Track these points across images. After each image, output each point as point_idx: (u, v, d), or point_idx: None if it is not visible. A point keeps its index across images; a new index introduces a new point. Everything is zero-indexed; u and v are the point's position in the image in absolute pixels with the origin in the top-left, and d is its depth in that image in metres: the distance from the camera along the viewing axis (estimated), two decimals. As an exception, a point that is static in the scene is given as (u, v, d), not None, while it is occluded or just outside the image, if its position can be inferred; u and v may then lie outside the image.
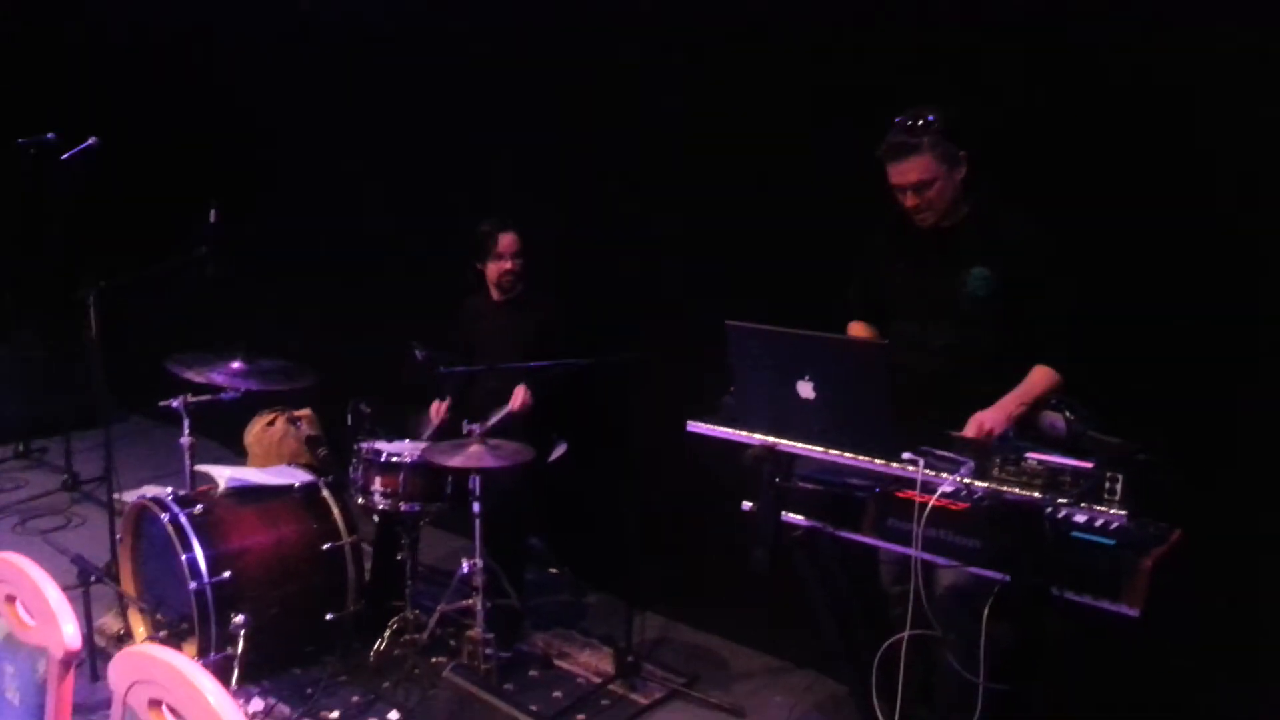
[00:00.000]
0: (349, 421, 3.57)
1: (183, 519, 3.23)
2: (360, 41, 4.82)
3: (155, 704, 1.52)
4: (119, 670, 1.57)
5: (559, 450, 3.91)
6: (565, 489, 3.97)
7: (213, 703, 1.41)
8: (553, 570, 4.22)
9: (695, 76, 3.66)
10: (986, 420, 2.39)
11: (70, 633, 1.72)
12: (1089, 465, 2.03)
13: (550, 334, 3.86)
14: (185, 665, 1.47)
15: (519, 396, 3.75)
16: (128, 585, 3.57)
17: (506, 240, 3.85)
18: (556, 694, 3.38)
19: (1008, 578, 2.14)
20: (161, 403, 3.72)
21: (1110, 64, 2.78)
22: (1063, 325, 2.56)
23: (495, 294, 3.96)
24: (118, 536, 3.62)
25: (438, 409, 3.82)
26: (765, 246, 3.50)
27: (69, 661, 1.73)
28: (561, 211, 4.09)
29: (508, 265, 3.86)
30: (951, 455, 2.18)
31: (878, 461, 2.23)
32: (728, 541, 3.41)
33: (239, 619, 3.17)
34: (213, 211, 3.84)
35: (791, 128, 3.39)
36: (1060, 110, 2.87)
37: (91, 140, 4.68)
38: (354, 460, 3.53)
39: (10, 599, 1.86)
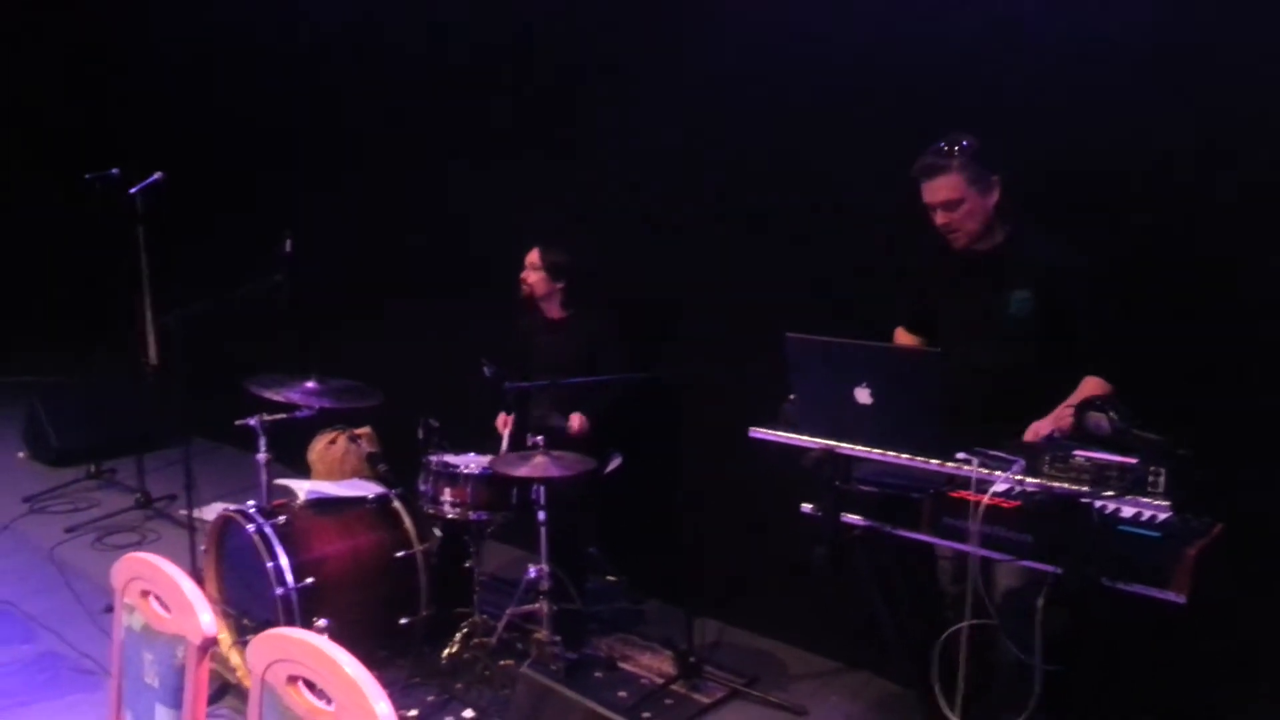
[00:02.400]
0: (420, 436, 3.74)
1: (267, 529, 3.42)
2: (424, 67, 5.03)
3: (293, 680, 1.69)
4: (257, 651, 1.75)
5: (614, 463, 4.07)
6: (621, 499, 4.13)
7: (350, 673, 1.58)
8: (610, 578, 4.37)
9: (738, 89, 3.81)
10: (1043, 428, 2.54)
11: (206, 621, 1.90)
12: (1133, 461, 2.16)
13: (600, 349, 4.02)
14: (321, 642, 1.64)
15: (576, 421, 3.91)
16: (213, 594, 3.75)
17: (530, 255, 4.08)
18: (621, 694, 3.53)
19: (1060, 570, 2.27)
20: (238, 421, 3.92)
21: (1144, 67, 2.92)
22: (1104, 341, 2.70)
23: (545, 310, 4.15)
24: (201, 548, 3.81)
25: (504, 422, 4.00)
26: (812, 260, 3.65)
27: (205, 647, 1.91)
28: (616, 226, 4.25)
29: (525, 276, 4.08)
30: (1003, 454, 2.32)
31: (934, 462, 2.38)
32: (780, 547, 3.57)
33: (322, 623, 3.33)
34: (288, 241, 4.06)
35: (843, 140, 3.53)
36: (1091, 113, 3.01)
37: (157, 175, 4.94)
38: (423, 472, 3.71)
39: (145, 594, 2.05)
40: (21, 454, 6.32)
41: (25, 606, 4.18)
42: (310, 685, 1.67)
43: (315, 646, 1.64)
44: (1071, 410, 2.57)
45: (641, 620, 4.15)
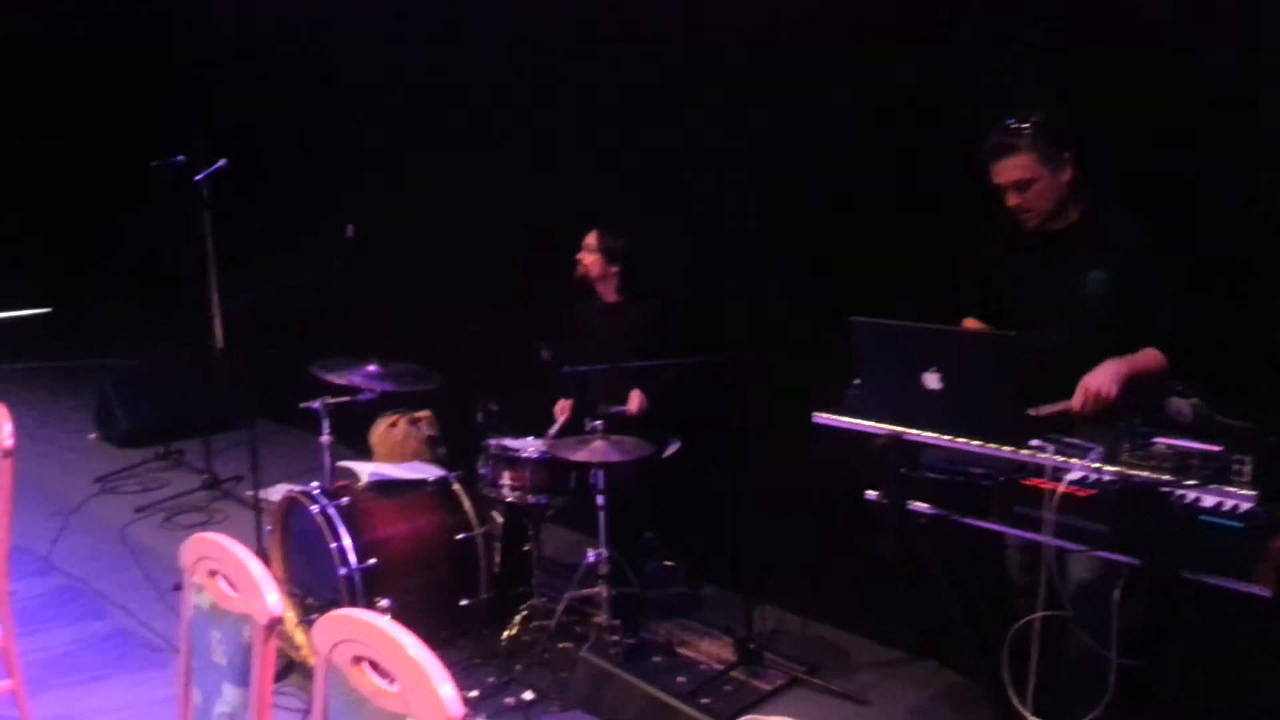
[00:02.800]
0: (479, 419, 3.76)
1: (330, 510, 3.46)
2: (485, 49, 5.02)
3: (357, 660, 1.69)
4: (323, 632, 1.75)
5: (672, 448, 4.04)
6: (678, 485, 4.11)
7: (414, 655, 1.58)
8: (667, 563, 4.35)
9: (809, 75, 3.75)
10: (1093, 382, 2.45)
11: (273, 600, 1.91)
12: (1217, 448, 2.08)
13: (657, 332, 3.99)
14: (385, 623, 1.64)
15: (634, 400, 3.89)
16: (278, 573, 3.81)
17: (587, 237, 4.07)
18: (680, 679, 3.51)
19: (1137, 562, 2.19)
20: (302, 404, 3.98)
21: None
22: (1171, 319, 2.61)
23: (601, 294, 4.13)
24: (267, 528, 3.87)
25: (562, 407, 4.00)
26: (873, 243, 3.58)
27: (271, 626, 1.92)
28: (676, 208, 4.22)
29: (581, 257, 4.07)
30: (1079, 442, 2.25)
31: (1006, 449, 2.31)
32: (842, 534, 3.52)
33: (384, 603, 3.38)
34: (350, 228, 4.09)
35: (906, 124, 3.46)
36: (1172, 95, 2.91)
37: (222, 162, 5.00)
38: (483, 456, 3.72)
39: (213, 573, 2.07)
40: (92, 436, 6.47)
41: (97, 584, 4.29)
42: (375, 666, 1.67)
43: (380, 628, 1.64)
44: (1126, 363, 2.50)
45: (699, 606, 4.13)
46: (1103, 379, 2.47)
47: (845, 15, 3.61)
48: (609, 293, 4.14)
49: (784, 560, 3.92)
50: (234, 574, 2.00)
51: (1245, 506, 2.11)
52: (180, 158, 5.30)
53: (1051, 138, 2.64)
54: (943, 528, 2.61)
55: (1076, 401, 2.47)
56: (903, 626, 3.66)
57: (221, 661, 2.01)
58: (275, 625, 1.93)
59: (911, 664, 3.63)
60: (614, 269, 4.08)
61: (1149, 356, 2.56)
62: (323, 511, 3.45)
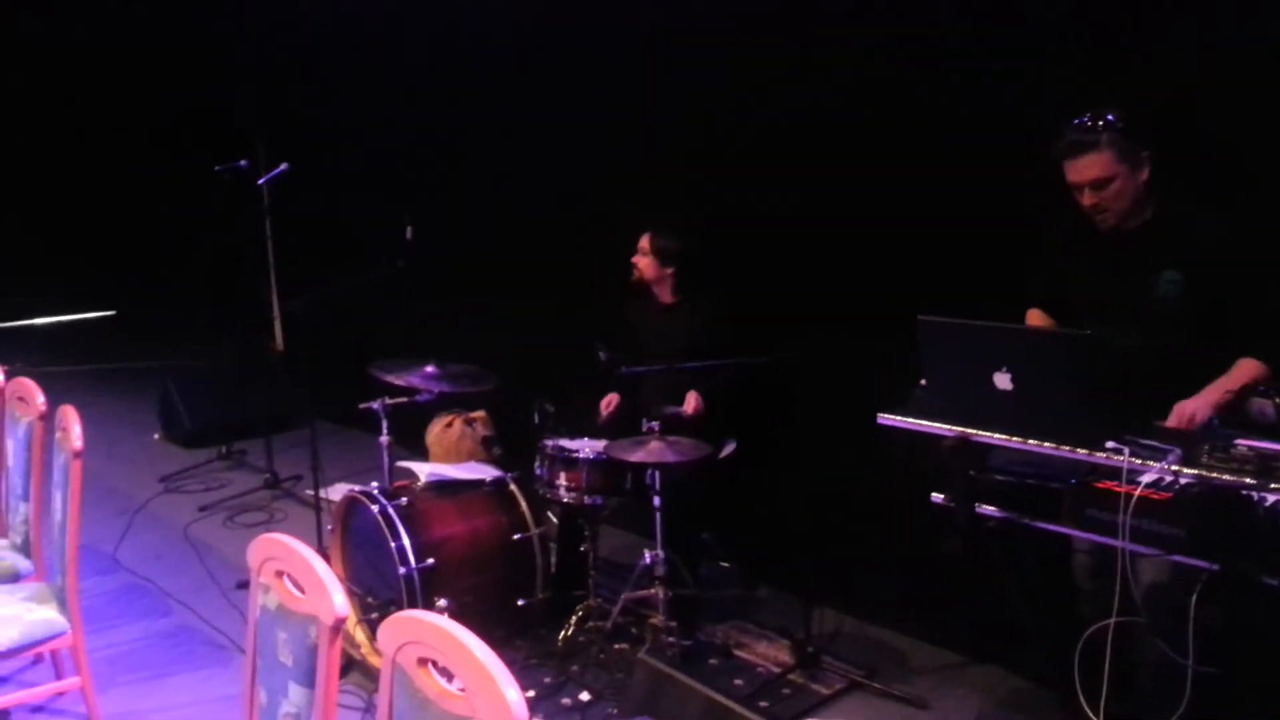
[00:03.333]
0: (535, 420, 3.76)
1: (390, 510, 3.48)
2: (540, 53, 5.04)
3: (423, 662, 1.69)
4: (388, 634, 1.75)
5: (729, 448, 4.01)
6: (735, 486, 4.07)
7: (479, 657, 1.57)
8: (724, 565, 4.32)
9: (863, 72, 3.70)
10: (1189, 407, 2.38)
11: (339, 602, 1.92)
12: (1303, 451, 2.01)
13: (714, 333, 3.96)
14: (451, 625, 1.64)
15: (691, 402, 3.87)
16: (338, 572, 3.84)
17: (641, 240, 4.05)
18: (737, 681, 3.48)
19: (1215, 566, 2.12)
20: (361, 405, 4.02)
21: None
22: (1264, 320, 2.52)
23: (659, 295, 4.11)
24: (328, 527, 3.91)
25: (608, 402, 3.99)
26: (932, 242, 3.52)
27: (337, 627, 1.93)
28: (734, 208, 4.19)
29: (636, 260, 4.05)
30: (1156, 444, 2.18)
31: (1081, 451, 2.25)
32: (902, 536, 3.47)
33: (442, 603, 3.38)
34: (409, 229, 4.12)
35: (967, 120, 3.41)
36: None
37: (283, 166, 5.06)
38: (539, 456, 3.72)
39: (280, 574, 2.08)
40: (156, 436, 6.59)
41: (161, 583, 4.36)
42: (440, 668, 1.66)
43: (446, 630, 1.64)
44: (1222, 390, 2.43)
45: (757, 608, 4.09)
46: (1199, 405, 2.40)
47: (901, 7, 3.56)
48: (665, 294, 4.12)
49: (842, 562, 3.87)
50: (300, 575, 2.02)
51: (1331, 511, 2.03)
52: (243, 162, 5.38)
53: (1130, 135, 2.57)
54: (1012, 531, 2.55)
55: (1171, 422, 2.41)
56: (962, 630, 3.60)
57: (288, 662, 2.02)
58: (341, 626, 1.94)
59: (972, 668, 3.57)
60: (669, 270, 4.06)
61: (1245, 372, 2.48)
62: (383, 511, 3.47)
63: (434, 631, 1.66)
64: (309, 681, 1.96)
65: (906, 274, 3.58)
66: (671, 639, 3.48)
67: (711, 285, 4.08)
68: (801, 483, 3.90)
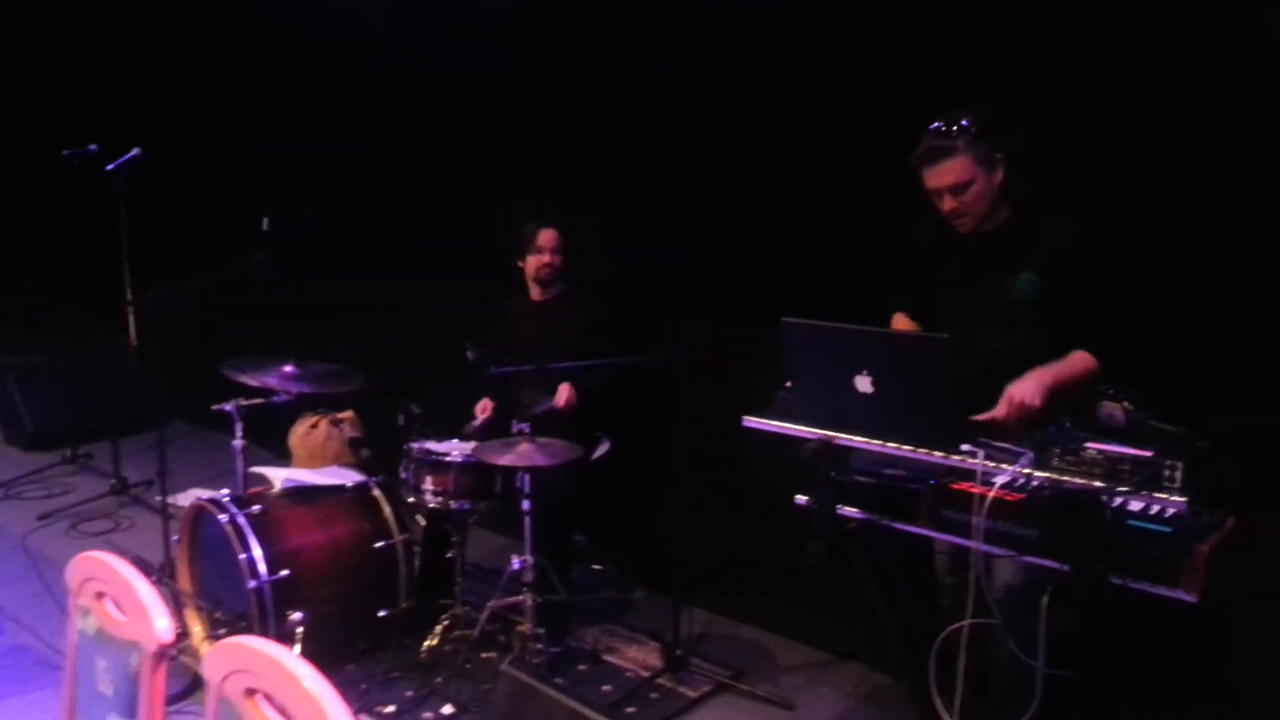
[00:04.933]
0: (400, 422, 3.62)
1: (240, 519, 3.30)
2: (401, 43, 4.88)
3: (251, 693, 1.57)
4: (214, 661, 1.63)
5: (603, 448, 3.95)
6: (609, 486, 4.02)
7: (309, 688, 1.46)
8: (597, 567, 4.27)
9: (746, 70, 3.68)
10: (1017, 391, 2.43)
11: (163, 626, 1.78)
12: (1148, 454, 2.05)
13: (593, 332, 3.91)
14: (281, 654, 1.52)
15: (563, 393, 3.80)
16: (184, 585, 3.64)
17: (546, 235, 3.93)
18: (606, 688, 3.43)
19: (1066, 567, 2.16)
20: (214, 406, 3.79)
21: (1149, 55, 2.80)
22: (1105, 320, 2.59)
23: (535, 291, 4.02)
24: (174, 537, 3.69)
25: (483, 407, 3.89)
26: (805, 243, 3.53)
27: (162, 654, 1.79)
28: (605, 208, 4.13)
29: (546, 259, 3.94)
30: (1009, 446, 2.21)
31: (937, 454, 2.26)
32: (772, 536, 3.46)
33: (296, 616, 3.24)
34: (266, 220, 3.92)
35: (840, 124, 3.42)
36: (1098, 97, 2.89)
37: (135, 151, 4.77)
38: (404, 460, 3.59)
39: (100, 595, 1.92)
40: (-5, 437, 6.17)
41: (-8, 597, 4.06)
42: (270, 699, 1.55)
43: (276, 659, 1.52)
44: (1052, 374, 2.49)
45: (629, 610, 4.05)
46: (1027, 389, 2.46)
47: (788, 14, 3.55)
48: (542, 290, 4.03)
49: (714, 563, 3.86)
50: (122, 596, 1.87)
51: (1173, 511, 2.08)
52: (93, 146, 5.05)
53: (986, 139, 2.60)
54: (873, 531, 2.56)
55: (1000, 410, 2.46)
56: (830, 628, 3.63)
57: (108, 691, 1.87)
58: (166, 653, 1.80)
59: (837, 666, 3.60)
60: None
61: (1076, 362, 2.55)
62: (232, 520, 3.29)
63: (263, 660, 1.55)
64: (130, 712, 1.81)
65: (786, 273, 3.58)
66: (540, 646, 3.41)
67: (589, 282, 4.01)
68: (676, 482, 3.86)
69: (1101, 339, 2.58)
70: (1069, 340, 2.60)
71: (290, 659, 1.51)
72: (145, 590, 1.82)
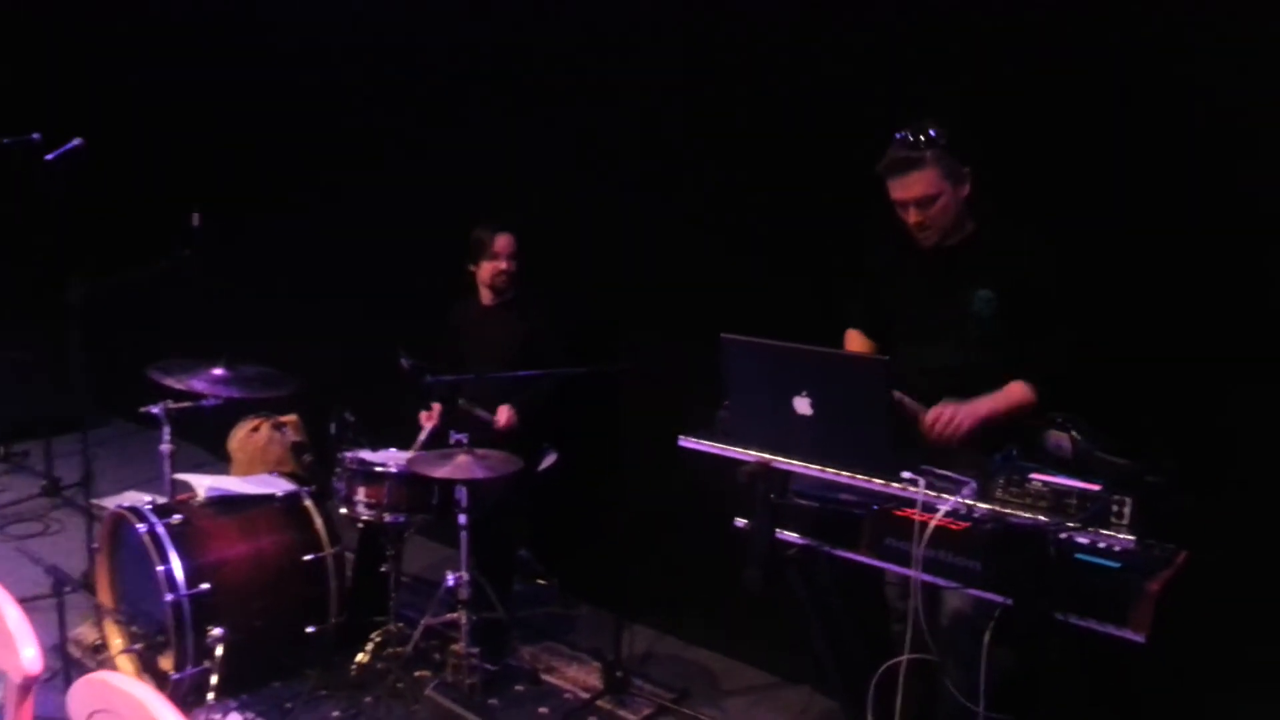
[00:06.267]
0: (333, 431, 3.48)
1: (160, 529, 3.15)
2: (346, 48, 4.75)
3: (114, 735, 1.44)
4: (79, 698, 1.50)
5: (548, 460, 3.84)
6: (554, 499, 3.90)
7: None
8: (540, 581, 4.15)
9: (692, 84, 3.59)
10: (950, 411, 2.38)
11: (29, 656, 1.64)
12: (1096, 488, 1.96)
13: (540, 341, 3.79)
14: (145, 695, 1.40)
15: (504, 415, 3.68)
16: (105, 595, 3.48)
17: (502, 241, 3.80)
18: (542, 710, 3.31)
19: (1009, 601, 2.06)
20: (142, 408, 3.64)
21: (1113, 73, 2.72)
22: (1052, 348, 2.52)
23: (487, 296, 3.90)
24: (94, 545, 3.53)
25: (426, 417, 3.76)
26: (761, 257, 3.43)
27: (28, 686, 1.65)
28: (553, 218, 4.01)
29: (503, 265, 3.81)
30: (952, 474, 2.10)
31: (877, 481, 2.16)
32: (719, 555, 3.35)
33: (217, 632, 3.09)
34: (195, 215, 3.76)
35: (787, 136, 3.33)
36: (1065, 121, 2.81)
37: (76, 141, 4.58)
38: (338, 470, 3.45)
39: (-34, 621, 1.78)
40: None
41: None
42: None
43: (139, 700, 1.40)
44: (988, 407, 2.43)
45: (571, 627, 3.93)
46: (960, 412, 2.40)
47: (732, 22, 3.45)
48: (490, 296, 3.90)
49: (661, 579, 3.75)
50: (-12, 623, 1.72)
51: (1122, 546, 1.99)
52: (36, 135, 4.85)
53: (954, 151, 2.51)
54: (813, 557, 2.45)
55: (929, 418, 2.39)
56: (778, 650, 3.52)
57: (-30, 725, 1.72)
58: (32, 685, 1.66)
59: (784, 689, 3.50)
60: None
61: (1013, 395, 2.47)
62: (151, 530, 3.14)
63: (125, 699, 1.42)
64: (-8, 750, 1.67)
65: (736, 286, 3.47)
66: (474, 664, 3.28)
67: (537, 289, 3.89)
68: (622, 496, 3.74)
69: (1047, 364, 2.51)
70: (1026, 361, 2.52)
71: (155, 701, 1.39)
72: (14, 616, 1.68)
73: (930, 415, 2.38)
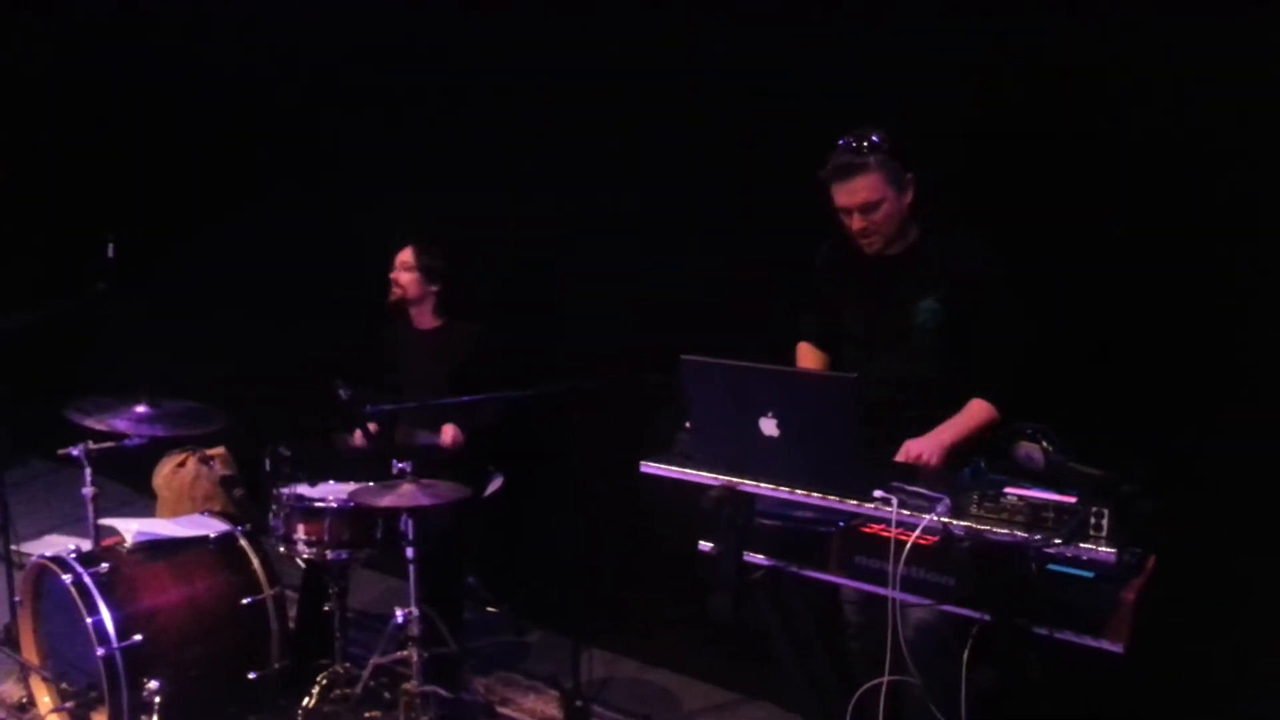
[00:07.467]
0: (267, 466, 3.32)
1: (86, 579, 2.97)
2: (268, 72, 4.59)
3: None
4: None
5: (495, 484, 3.73)
6: (502, 524, 3.79)
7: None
8: (491, 609, 4.04)
9: (640, 100, 3.52)
10: (915, 447, 2.35)
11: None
12: (1072, 500, 1.92)
13: (480, 363, 3.69)
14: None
15: (449, 433, 3.57)
16: (29, 650, 3.28)
17: (402, 254, 3.72)
18: (501, 746, 3.21)
19: (987, 617, 2.02)
20: (60, 450, 3.43)
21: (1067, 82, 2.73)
22: (1004, 358, 2.51)
23: (418, 319, 3.78)
24: (16, 598, 3.32)
25: (359, 436, 3.61)
26: (715, 272, 3.38)
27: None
28: (502, 236, 3.90)
29: (394, 275, 3.72)
30: (924, 491, 2.06)
31: (850, 501, 2.10)
32: (675, 571, 3.28)
33: (153, 685, 2.93)
34: (110, 245, 3.57)
35: (737, 151, 3.29)
36: (1016, 129, 2.81)
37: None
38: (274, 507, 3.30)
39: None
40: None
41: None
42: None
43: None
44: (952, 432, 2.40)
45: (526, 655, 3.83)
46: (927, 446, 2.37)
47: (673, 38, 3.39)
48: (426, 317, 3.79)
49: (616, 600, 3.66)
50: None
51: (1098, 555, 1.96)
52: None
53: (898, 157, 2.48)
54: (780, 579, 2.39)
55: (900, 457, 2.35)
56: (735, 667, 3.47)
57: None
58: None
59: (746, 706, 3.46)
60: (433, 289, 3.74)
61: (976, 414, 2.45)
62: (77, 581, 2.96)
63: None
64: None
65: (688, 304, 3.42)
66: (427, 702, 3.15)
67: (477, 308, 3.77)
68: (573, 519, 3.65)
69: (999, 378, 2.49)
70: (967, 370, 2.50)
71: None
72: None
73: (900, 456, 2.35)
